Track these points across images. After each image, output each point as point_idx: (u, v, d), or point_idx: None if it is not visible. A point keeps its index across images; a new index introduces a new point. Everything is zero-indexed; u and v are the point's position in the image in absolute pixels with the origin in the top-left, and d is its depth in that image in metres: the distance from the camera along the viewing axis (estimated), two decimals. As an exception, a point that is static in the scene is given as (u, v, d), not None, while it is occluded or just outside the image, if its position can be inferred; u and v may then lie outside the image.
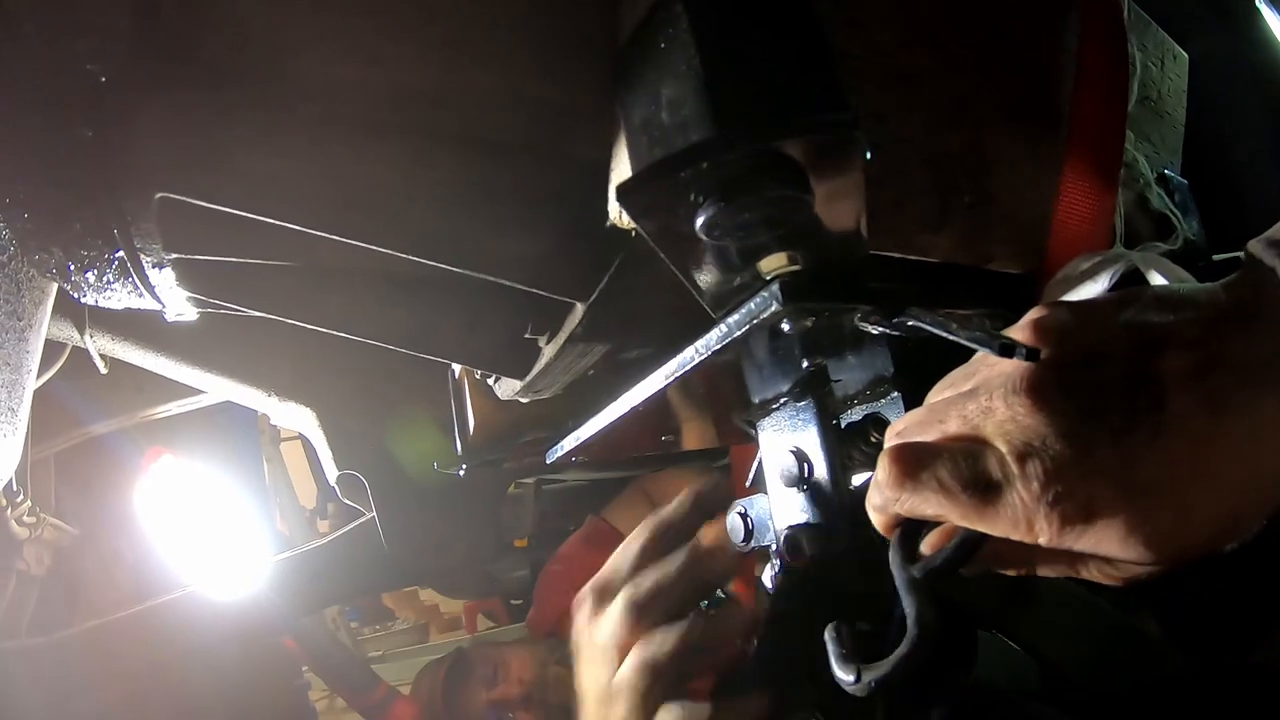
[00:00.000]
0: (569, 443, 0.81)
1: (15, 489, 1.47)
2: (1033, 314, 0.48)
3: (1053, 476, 0.43)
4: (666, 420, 0.84)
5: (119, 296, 0.67)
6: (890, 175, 0.56)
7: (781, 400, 0.69)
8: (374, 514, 1.37)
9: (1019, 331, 0.48)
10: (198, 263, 0.62)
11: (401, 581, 2.34)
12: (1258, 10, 1.18)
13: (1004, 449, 0.45)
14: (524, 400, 0.80)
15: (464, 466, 0.93)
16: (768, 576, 0.70)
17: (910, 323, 0.51)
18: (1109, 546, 0.44)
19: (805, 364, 0.63)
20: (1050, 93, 0.64)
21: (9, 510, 1.48)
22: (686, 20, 0.45)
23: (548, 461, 0.85)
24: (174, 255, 0.60)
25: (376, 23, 0.54)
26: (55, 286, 0.79)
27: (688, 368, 0.58)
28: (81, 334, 1.06)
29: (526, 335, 0.68)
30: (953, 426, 0.48)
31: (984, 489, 0.45)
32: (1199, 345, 0.44)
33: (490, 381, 0.84)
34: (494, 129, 0.56)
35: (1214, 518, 0.44)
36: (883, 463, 0.48)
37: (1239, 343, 0.44)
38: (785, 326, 0.54)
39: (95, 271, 0.63)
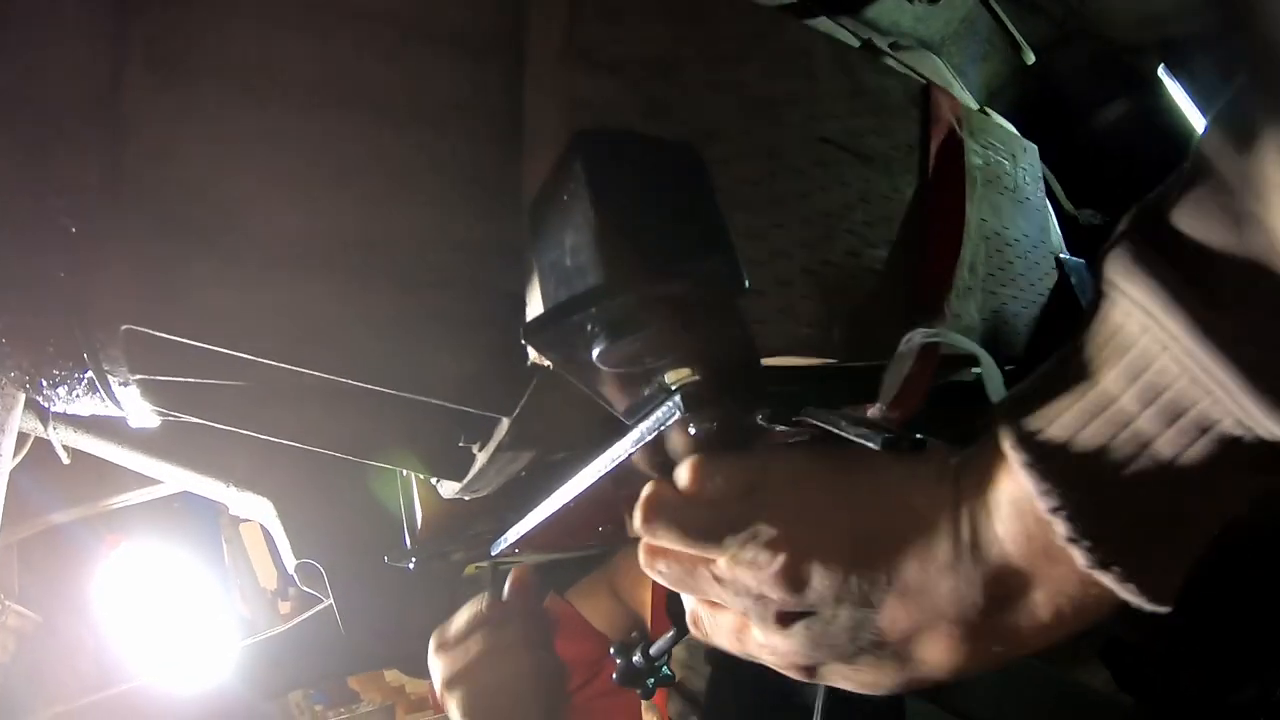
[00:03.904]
0: (510, 536, 0.86)
1: (-20, 580, 1.49)
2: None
3: (788, 659, 0.56)
4: (603, 513, 0.90)
5: (86, 406, 0.72)
6: (774, 286, 0.62)
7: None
8: (331, 600, 1.40)
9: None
10: (159, 382, 0.68)
11: (362, 665, 2.33)
12: (1161, 80, 1.35)
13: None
14: (465, 498, 0.86)
15: (413, 560, 0.98)
16: None
17: (807, 421, 0.58)
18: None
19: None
20: (913, 204, 0.72)
21: (-26, 601, 1.50)
22: (584, 177, 0.50)
23: (491, 554, 0.90)
24: (138, 376, 0.66)
25: (314, 177, 0.61)
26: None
27: (605, 472, 0.63)
28: (45, 427, 1.11)
29: (460, 444, 0.75)
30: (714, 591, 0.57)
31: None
32: (909, 616, 0.52)
33: (433, 482, 0.89)
34: (420, 268, 0.63)
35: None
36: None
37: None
38: (692, 430, 0.61)
39: (66, 387, 0.69)
